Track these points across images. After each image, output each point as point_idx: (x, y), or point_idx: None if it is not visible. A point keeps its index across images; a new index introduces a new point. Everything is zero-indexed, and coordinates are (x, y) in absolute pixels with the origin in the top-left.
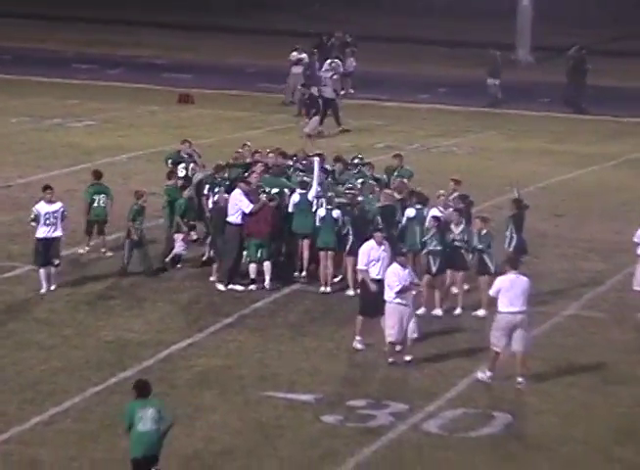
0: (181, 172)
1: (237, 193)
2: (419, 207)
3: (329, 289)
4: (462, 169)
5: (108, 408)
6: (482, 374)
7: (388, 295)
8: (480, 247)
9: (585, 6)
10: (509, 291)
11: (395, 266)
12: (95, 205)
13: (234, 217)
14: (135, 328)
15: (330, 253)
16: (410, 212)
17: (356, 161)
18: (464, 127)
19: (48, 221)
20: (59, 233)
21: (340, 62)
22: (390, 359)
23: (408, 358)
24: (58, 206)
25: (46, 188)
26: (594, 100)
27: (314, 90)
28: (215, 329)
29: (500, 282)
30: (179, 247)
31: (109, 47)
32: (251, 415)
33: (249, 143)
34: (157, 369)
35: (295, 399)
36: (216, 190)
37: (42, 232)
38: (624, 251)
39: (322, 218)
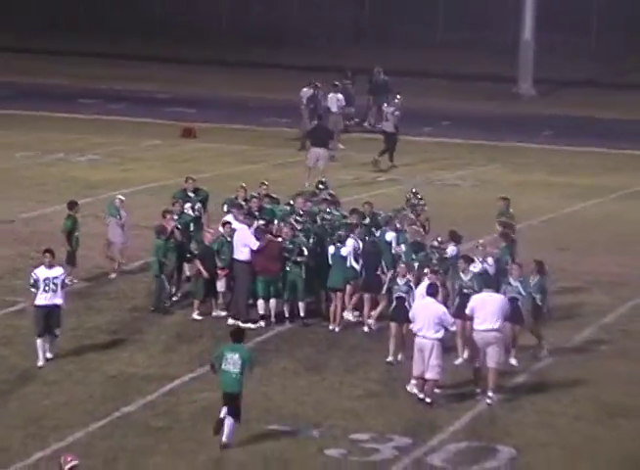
0: (187, 211)
1: (245, 230)
2: (454, 245)
3: (337, 328)
4: (466, 202)
5: (111, 443)
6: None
7: (441, 332)
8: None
9: (587, 39)
10: (481, 309)
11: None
12: (76, 234)
13: (243, 254)
14: (139, 362)
15: (339, 293)
16: (454, 251)
17: (418, 201)
18: (468, 160)
19: (47, 288)
20: (59, 301)
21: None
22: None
23: (429, 400)
24: (58, 272)
25: (46, 252)
26: (597, 132)
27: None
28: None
29: (473, 301)
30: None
31: (112, 82)
32: (256, 449)
33: (266, 183)
34: (160, 403)
35: (298, 432)
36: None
37: (41, 299)
38: (628, 284)
39: (331, 256)
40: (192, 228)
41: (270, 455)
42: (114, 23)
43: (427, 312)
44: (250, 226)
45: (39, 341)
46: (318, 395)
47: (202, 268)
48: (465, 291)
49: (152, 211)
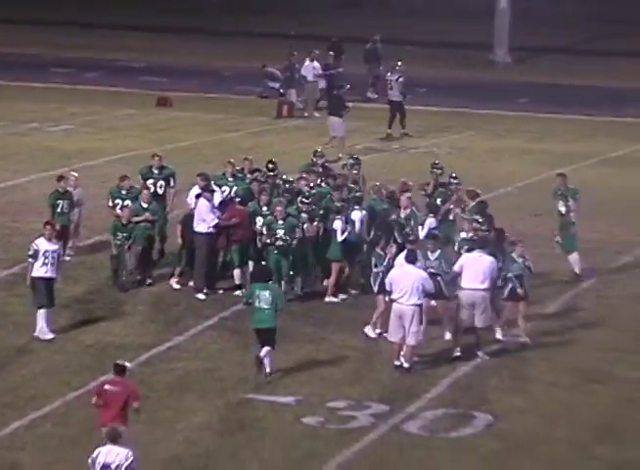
0: (150, 188)
1: (203, 204)
2: (432, 217)
3: (334, 299)
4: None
5: (88, 412)
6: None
7: (422, 299)
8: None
9: (563, 6)
10: (470, 268)
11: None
12: (58, 210)
13: (202, 227)
14: (115, 331)
15: (334, 264)
16: (432, 223)
17: (451, 180)
18: (443, 128)
19: (46, 260)
20: (54, 274)
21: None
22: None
23: (408, 365)
24: (57, 245)
25: (47, 224)
26: (572, 99)
27: (292, 93)
28: (196, 332)
29: (463, 259)
30: None
31: (86, 51)
32: (232, 417)
33: (250, 157)
34: (137, 372)
35: (275, 400)
36: (117, 202)
37: (41, 271)
38: (603, 250)
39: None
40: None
41: (247, 424)
42: None
43: (408, 279)
44: (209, 200)
45: (42, 312)
46: (295, 363)
47: (179, 233)
48: (431, 271)
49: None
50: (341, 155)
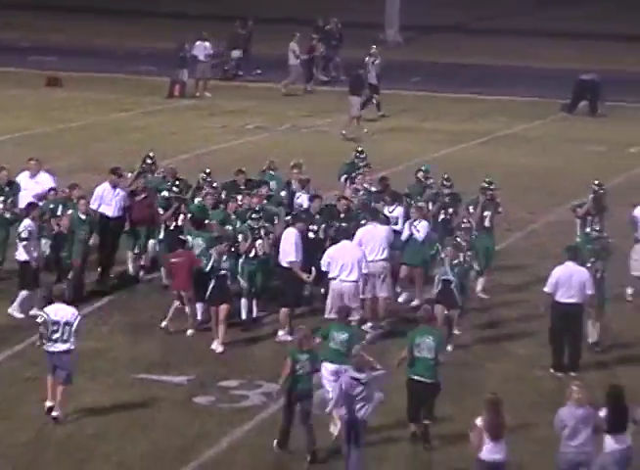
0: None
1: (105, 187)
2: (398, 205)
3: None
4: (334, 150)
5: None
6: (366, 326)
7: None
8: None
9: None
10: (369, 240)
11: None
12: None
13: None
14: (5, 312)
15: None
16: (398, 213)
17: (486, 184)
18: (336, 107)
19: (34, 242)
20: None
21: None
22: None
23: None
24: None
25: (33, 206)
26: (464, 78)
27: (183, 73)
28: (87, 312)
29: (360, 232)
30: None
31: None
32: (124, 398)
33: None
34: (29, 353)
35: (167, 380)
36: None
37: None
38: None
39: None
40: None
41: (139, 404)
42: None
43: (346, 255)
44: (114, 186)
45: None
46: (187, 343)
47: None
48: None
49: (18, 163)
50: (366, 130)
